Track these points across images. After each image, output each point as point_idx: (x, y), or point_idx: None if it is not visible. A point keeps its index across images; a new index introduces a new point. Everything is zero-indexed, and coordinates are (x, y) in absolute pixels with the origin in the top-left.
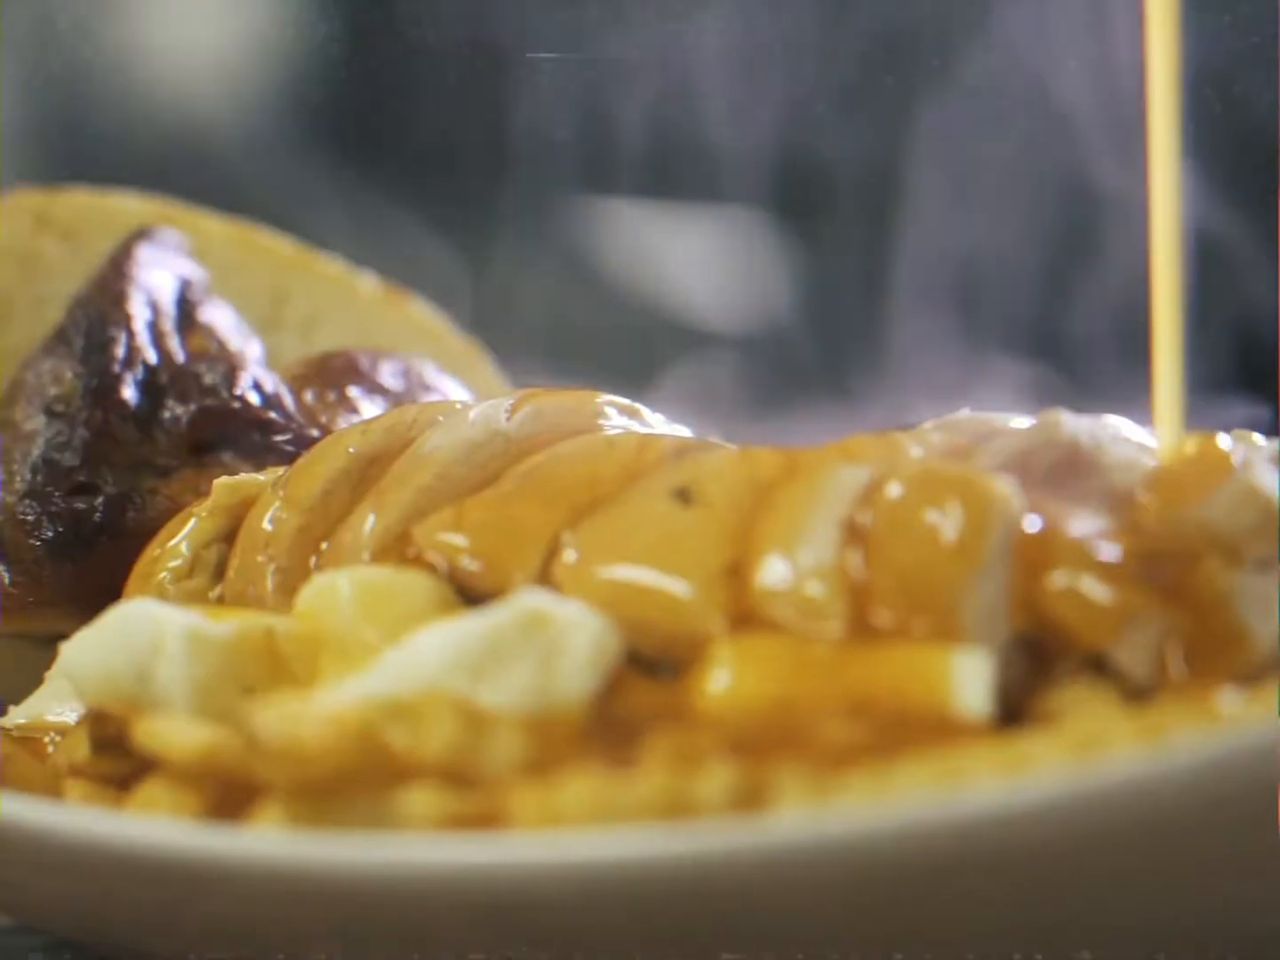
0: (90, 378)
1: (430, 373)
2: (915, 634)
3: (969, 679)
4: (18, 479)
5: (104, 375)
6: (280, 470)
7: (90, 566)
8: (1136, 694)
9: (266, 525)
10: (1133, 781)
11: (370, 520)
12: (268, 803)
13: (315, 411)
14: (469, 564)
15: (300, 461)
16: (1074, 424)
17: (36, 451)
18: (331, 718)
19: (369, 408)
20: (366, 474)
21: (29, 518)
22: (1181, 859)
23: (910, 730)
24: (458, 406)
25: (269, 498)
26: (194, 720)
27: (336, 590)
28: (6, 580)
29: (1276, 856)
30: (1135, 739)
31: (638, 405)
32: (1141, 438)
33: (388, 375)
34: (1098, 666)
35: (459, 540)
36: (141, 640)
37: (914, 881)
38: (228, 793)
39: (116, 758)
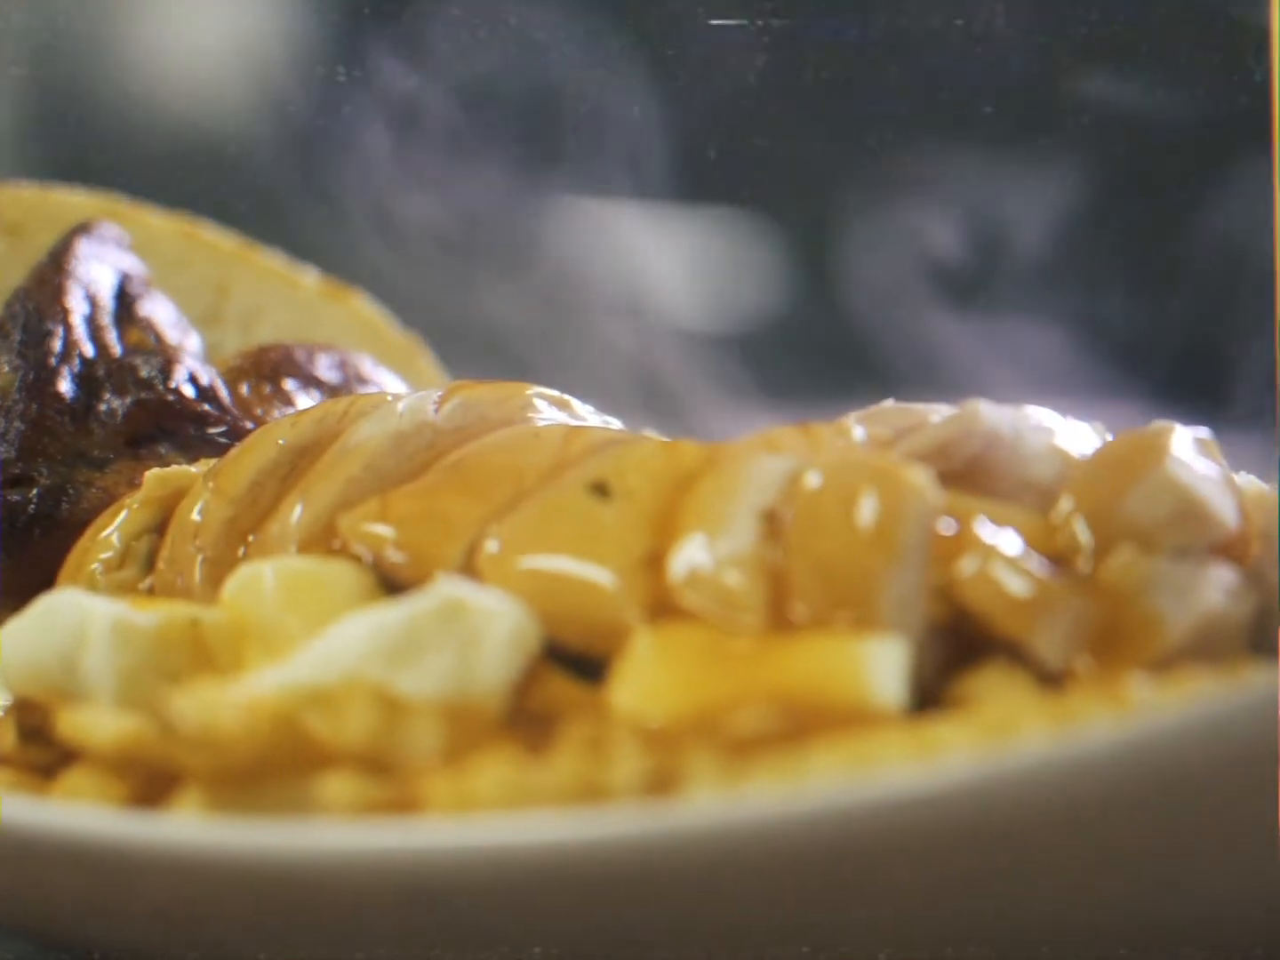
0: (27, 371)
1: (367, 366)
2: (833, 624)
3: (883, 667)
4: None
5: (40, 369)
6: (212, 462)
7: (25, 558)
8: (1050, 680)
9: (195, 516)
10: (1042, 766)
11: (297, 511)
12: (187, 789)
13: (250, 404)
14: (394, 555)
15: (231, 453)
16: (994, 414)
17: None
18: (249, 705)
19: (304, 400)
20: (296, 465)
21: None
22: (1091, 845)
23: (826, 719)
24: (388, 399)
25: (199, 489)
26: (117, 710)
27: (260, 580)
28: None
29: (1185, 843)
30: (1046, 724)
31: (568, 397)
32: (1063, 428)
33: (324, 368)
34: (1013, 653)
35: (384, 531)
36: (67, 630)
37: (824, 865)
38: (150, 780)
39: (43, 746)
